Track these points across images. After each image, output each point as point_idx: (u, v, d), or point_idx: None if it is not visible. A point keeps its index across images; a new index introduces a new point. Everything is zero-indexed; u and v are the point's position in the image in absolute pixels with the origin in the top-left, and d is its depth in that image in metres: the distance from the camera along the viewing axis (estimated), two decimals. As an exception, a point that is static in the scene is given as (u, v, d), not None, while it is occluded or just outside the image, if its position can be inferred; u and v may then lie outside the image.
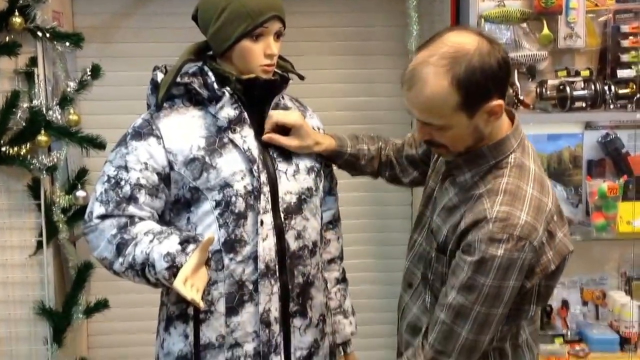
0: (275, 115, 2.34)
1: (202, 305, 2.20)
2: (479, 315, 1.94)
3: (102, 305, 3.42)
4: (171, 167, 2.27)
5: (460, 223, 1.98)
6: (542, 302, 2.10)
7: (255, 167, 2.27)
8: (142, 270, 2.24)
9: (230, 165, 2.27)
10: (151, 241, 2.23)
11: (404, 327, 2.24)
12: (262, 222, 2.27)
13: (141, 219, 2.29)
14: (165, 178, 2.29)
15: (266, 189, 2.29)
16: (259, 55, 2.27)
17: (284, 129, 2.36)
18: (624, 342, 3.35)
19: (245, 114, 2.32)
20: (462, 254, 1.95)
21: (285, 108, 2.45)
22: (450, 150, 2.04)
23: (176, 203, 2.33)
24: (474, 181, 2.02)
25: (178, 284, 2.15)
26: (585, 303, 3.53)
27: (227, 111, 2.29)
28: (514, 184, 1.96)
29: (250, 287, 2.30)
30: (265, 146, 2.34)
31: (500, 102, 1.93)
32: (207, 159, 2.26)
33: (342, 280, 2.67)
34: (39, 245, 3.33)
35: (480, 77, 1.88)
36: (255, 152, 2.29)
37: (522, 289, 1.98)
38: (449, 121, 1.94)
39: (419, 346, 2.05)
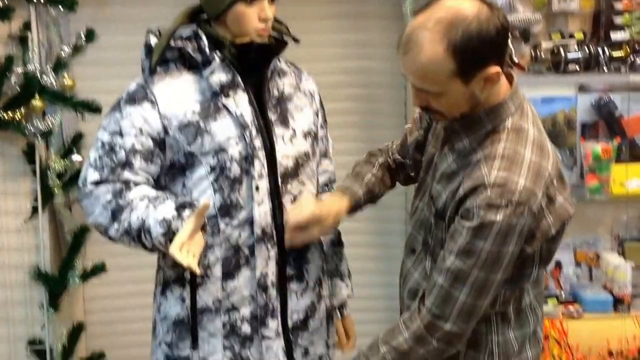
0: (292, 219, 2.30)
1: (198, 271, 2.21)
2: (477, 280, 1.94)
3: (99, 269, 3.43)
4: (166, 132, 2.27)
5: (459, 189, 1.97)
6: (544, 264, 2.10)
7: (247, 133, 2.27)
8: (137, 236, 2.24)
9: (224, 130, 2.27)
10: (147, 207, 2.23)
11: (405, 293, 2.24)
12: (257, 187, 2.27)
13: (136, 184, 2.29)
14: (160, 143, 2.28)
15: (261, 154, 2.29)
16: (253, 19, 2.25)
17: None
18: (618, 303, 3.38)
19: (239, 79, 2.30)
20: (461, 220, 1.94)
21: (281, 72, 2.44)
22: (446, 116, 2.02)
23: (171, 168, 2.33)
24: (472, 147, 2.00)
25: (174, 250, 2.16)
26: (578, 264, 3.56)
27: (219, 76, 2.28)
28: (511, 149, 1.94)
29: (247, 251, 2.31)
30: (261, 111, 2.33)
31: (497, 69, 1.90)
32: (201, 123, 2.26)
33: (338, 243, 2.67)
34: (35, 210, 3.33)
35: (477, 44, 1.85)
36: (249, 117, 2.29)
37: (523, 253, 1.98)
38: (444, 88, 1.92)
39: (415, 310, 2.05)
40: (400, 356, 2.04)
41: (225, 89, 2.29)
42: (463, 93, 1.93)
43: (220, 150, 2.26)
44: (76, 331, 3.50)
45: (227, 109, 2.28)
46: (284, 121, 2.37)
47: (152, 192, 2.29)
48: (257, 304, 2.32)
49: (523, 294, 2.13)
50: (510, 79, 2.05)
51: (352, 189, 2.41)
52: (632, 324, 3.39)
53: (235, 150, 2.27)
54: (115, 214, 2.26)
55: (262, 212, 2.29)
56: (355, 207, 2.41)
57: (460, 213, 1.95)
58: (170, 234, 2.19)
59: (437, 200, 2.08)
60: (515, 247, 1.93)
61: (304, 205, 2.32)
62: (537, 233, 1.96)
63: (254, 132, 2.28)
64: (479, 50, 1.86)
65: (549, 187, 1.95)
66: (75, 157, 3.28)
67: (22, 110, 3.19)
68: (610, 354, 3.46)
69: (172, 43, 2.29)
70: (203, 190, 2.29)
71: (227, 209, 2.28)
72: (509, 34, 1.96)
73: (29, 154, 3.28)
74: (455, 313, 1.97)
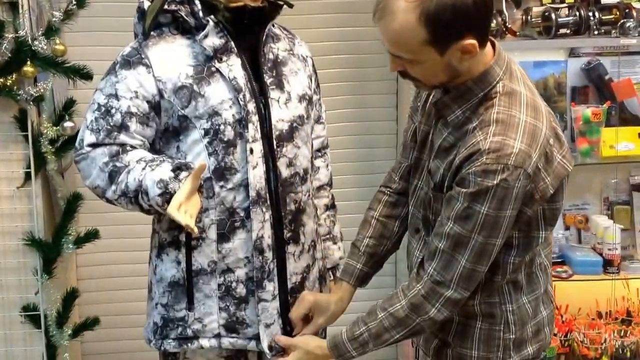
0: (294, 313, 2.37)
1: (196, 231, 2.22)
2: (477, 244, 1.94)
3: (92, 235, 3.38)
4: (161, 96, 2.27)
5: (455, 159, 1.96)
6: (550, 225, 2.09)
7: (241, 96, 2.27)
8: (135, 198, 2.25)
9: (218, 94, 2.27)
10: (143, 168, 2.23)
11: (411, 272, 2.23)
12: (251, 151, 2.27)
13: (132, 147, 2.29)
14: (155, 106, 2.28)
15: (254, 118, 2.28)
16: None
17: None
18: (607, 265, 3.39)
19: (232, 43, 2.30)
20: (457, 187, 1.94)
21: (275, 36, 2.44)
22: (425, 84, 2.02)
23: (165, 132, 2.33)
24: (465, 116, 1.99)
25: (172, 210, 2.17)
26: (567, 228, 3.57)
27: (212, 40, 2.27)
28: (505, 113, 1.93)
29: (242, 214, 2.31)
30: (257, 74, 2.33)
31: (473, 41, 1.88)
32: (195, 87, 2.26)
33: (332, 206, 2.70)
34: (27, 176, 3.29)
35: (450, 16, 1.83)
36: (242, 81, 2.28)
37: (523, 216, 1.98)
38: (419, 56, 1.91)
39: (413, 277, 2.06)
40: (397, 322, 2.05)
41: (218, 53, 2.28)
42: (439, 62, 1.92)
43: (213, 113, 2.26)
44: (70, 297, 3.45)
45: (220, 73, 2.28)
46: (279, 85, 2.37)
47: (149, 155, 2.29)
48: (253, 266, 2.33)
49: (534, 258, 2.13)
50: (492, 43, 2.02)
51: (349, 269, 2.38)
52: (621, 285, 3.42)
53: (228, 113, 2.27)
54: (113, 176, 2.27)
55: (256, 175, 2.29)
56: (361, 281, 2.39)
57: (456, 181, 1.94)
58: (167, 195, 2.19)
59: (434, 175, 2.07)
60: (513, 211, 1.93)
61: (303, 297, 2.36)
62: (535, 194, 1.96)
63: (247, 95, 2.28)
64: (453, 21, 1.84)
65: (545, 147, 1.94)
66: (68, 123, 3.23)
67: (14, 76, 3.13)
68: (599, 314, 3.51)
69: (165, 6, 2.27)
70: (197, 154, 2.29)
71: (221, 172, 2.29)
72: (491, 6, 1.92)
73: (21, 120, 3.23)
74: (456, 278, 1.98)
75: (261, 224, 2.31)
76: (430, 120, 2.14)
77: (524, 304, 2.15)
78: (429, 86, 2.03)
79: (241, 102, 2.27)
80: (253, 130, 2.28)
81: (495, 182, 1.87)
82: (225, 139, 2.28)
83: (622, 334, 3.40)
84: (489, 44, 1.99)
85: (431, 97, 2.16)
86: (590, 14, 3.24)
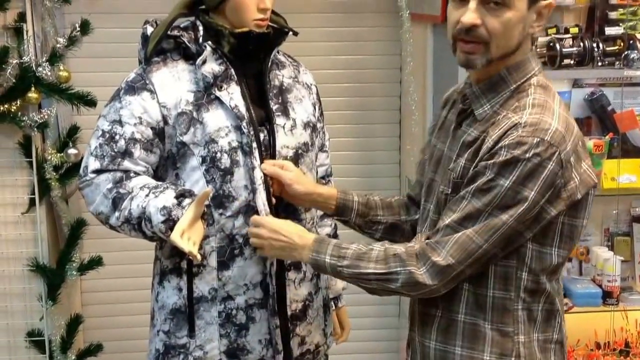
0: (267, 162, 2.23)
1: (199, 257, 2.11)
2: (486, 218, 1.76)
3: (95, 262, 3.33)
4: (165, 122, 2.18)
5: (482, 146, 1.80)
6: (566, 243, 1.87)
7: (244, 124, 2.17)
8: (138, 224, 2.15)
9: (215, 121, 2.18)
10: (147, 195, 2.14)
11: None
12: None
13: (136, 173, 2.20)
14: (159, 133, 2.19)
15: (254, 145, 2.18)
16: (252, 9, 2.18)
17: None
18: (607, 296, 3.24)
19: (232, 71, 2.21)
20: (486, 161, 1.77)
21: (280, 63, 2.36)
22: (488, 48, 1.82)
23: (166, 159, 2.24)
24: (494, 110, 1.84)
25: (175, 237, 2.07)
26: (569, 259, 3.42)
27: (211, 66, 2.19)
28: (541, 99, 1.80)
29: (240, 240, 2.22)
30: (262, 101, 2.25)
31: (552, 2, 1.81)
32: (195, 114, 2.18)
33: (334, 236, 2.58)
34: (32, 202, 3.23)
35: None
36: (243, 108, 2.19)
37: (544, 216, 1.79)
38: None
39: (416, 238, 1.89)
40: (382, 258, 1.88)
41: (218, 81, 2.19)
42: (520, 18, 1.79)
43: (210, 141, 2.18)
44: (74, 323, 3.42)
45: (219, 100, 2.19)
46: (285, 111, 2.28)
47: (152, 182, 2.20)
48: (254, 293, 2.25)
49: (554, 298, 1.93)
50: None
51: (347, 191, 2.26)
52: (620, 316, 3.27)
53: (225, 141, 2.18)
54: (116, 203, 2.17)
55: (258, 202, 2.20)
56: (343, 203, 2.24)
57: (485, 157, 1.78)
58: (170, 222, 2.09)
59: (455, 170, 1.88)
60: (536, 195, 1.75)
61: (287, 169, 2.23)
62: (562, 193, 1.78)
63: (244, 124, 2.18)
64: None
65: (577, 144, 1.80)
66: (71, 150, 3.17)
67: (18, 102, 3.08)
68: (598, 345, 3.36)
69: (168, 32, 2.20)
70: (196, 181, 2.21)
71: (220, 200, 2.20)
72: None
73: (25, 146, 3.17)
74: (452, 244, 1.79)
75: None
76: (447, 136, 1.98)
77: (535, 341, 1.93)
78: (488, 55, 1.83)
79: (244, 130, 2.18)
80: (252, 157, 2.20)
81: (527, 155, 1.72)
82: (222, 167, 2.19)
83: (620, 365, 3.27)
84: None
85: (450, 113, 2.02)
86: (595, 44, 3.10)
